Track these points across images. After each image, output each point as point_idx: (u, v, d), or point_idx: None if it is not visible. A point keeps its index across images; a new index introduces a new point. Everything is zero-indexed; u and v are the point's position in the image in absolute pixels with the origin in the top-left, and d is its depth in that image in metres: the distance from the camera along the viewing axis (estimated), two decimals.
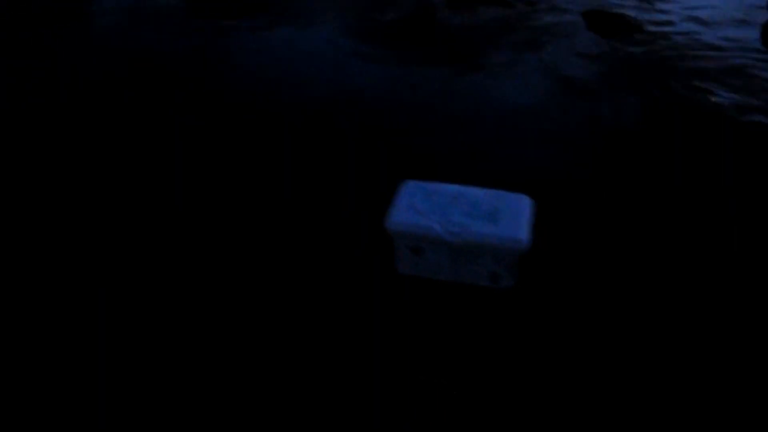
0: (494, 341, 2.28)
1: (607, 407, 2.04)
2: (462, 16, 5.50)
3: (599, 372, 2.16)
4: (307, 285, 2.57)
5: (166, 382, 2.17)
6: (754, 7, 5.60)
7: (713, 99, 4.02)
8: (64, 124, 3.84)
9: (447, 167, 3.31)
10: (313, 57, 4.71)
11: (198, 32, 5.27)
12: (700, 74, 4.38)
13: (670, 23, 5.26)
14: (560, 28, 5.24)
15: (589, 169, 3.31)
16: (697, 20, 5.35)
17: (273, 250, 2.77)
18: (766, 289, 2.49)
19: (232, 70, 4.57)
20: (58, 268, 2.70)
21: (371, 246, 2.72)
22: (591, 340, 2.28)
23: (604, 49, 4.78)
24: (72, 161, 3.46)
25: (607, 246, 2.75)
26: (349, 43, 4.96)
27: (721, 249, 2.72)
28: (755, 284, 2.52)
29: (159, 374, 2.20)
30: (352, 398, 2.09)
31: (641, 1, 5.71)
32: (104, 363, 2.24)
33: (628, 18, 5.15)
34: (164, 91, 4.23)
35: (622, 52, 4.72)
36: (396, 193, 2.60)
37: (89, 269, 2.69)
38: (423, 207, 2.49)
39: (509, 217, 2.43)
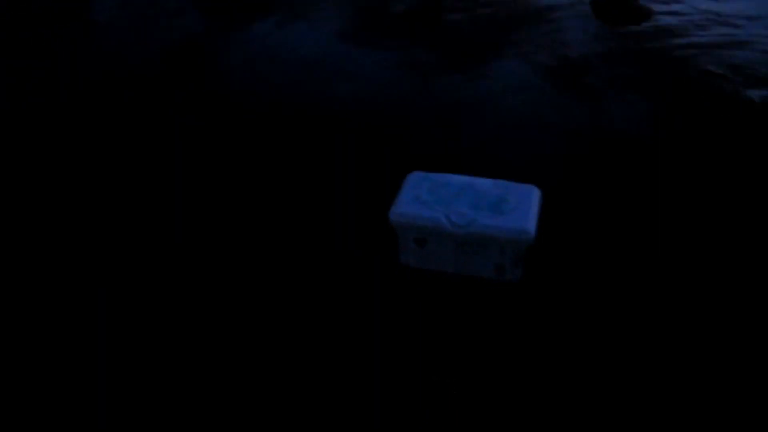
0: (498, 336, 2.29)
1: (613, 405, 2.05)
2: (469, 7, 5.52)
3: (605, 369, 2.17)
4: (310, 281, 2.59)
5: (166, 382, 2.19)
6: None
7: (730, 87, 4.01)
8: (64, 124, 3.87)
9: (453, 161, 3.33)
10: (318, 53, 4.73)
11: (201, 31, 5.31)
12: (716, 62, 4.37)
13: (682, 14, 5.25)
14: (568, 17, 5.23)
15: (598, 162, 3.32)
16: (711, 9, 5.33)
17: (274, 249, 2.79)
18: None
19: (233, 68, 4.60)
20: (57, 268, 2.73)
21: (373, 240, 2.74)
22: (597, 336, 2.28)
23: (611, 38, 4.77)
24: (72, 161, 3.50)
25: (617, 239, 2.75)
26: (356, 38, 4.98)
27: (734, 246, 2.72)
28: None
29: (159, 374, 2.22)
30: (355, 396, 2.11)
31: None
32: (104, 363, 2.27)
33: (637, 5, 5.14)
34: (164, 91, 4.27)
35: (630, 40, 4.72)
36: (402, 184, 2.61)
37: (89, 269, 2.72)
38: (428, 198, 2.50)
39: (516, 208, 2.42)
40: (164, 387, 2.17)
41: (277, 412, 2.06)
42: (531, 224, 2.36)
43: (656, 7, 5.33)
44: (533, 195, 2.50)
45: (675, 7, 5.36)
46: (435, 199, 2.50)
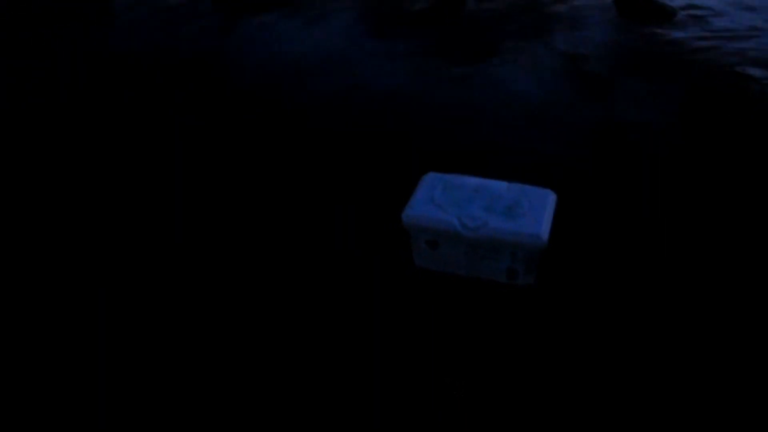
0: (507, 340, 2.27)
1: (624, 409, 2.02)
2: (490, 5, 5.53)
3: (615, 374, 2.14)
4: (316, 281, 2.58)
5: (167, 382, 2.20)
6: None
7: (757, 87, 3.98)
8: (64, 124, 3.91)
9: (468, 160, 3.32)
10: (332, 53, 4.75)
11: (206, 29, 5.35)
12: (743, 62, 4.34)
13: (708, 10, 5.23)
14: (591, 14, 5.23)
15: (617, 164, 3.29)
16: (740, 3, 5.31)
17: (281, 249, 2.79)
18: None
19: (240, 68, 4.63)
20: (57, 268, 2.75)
21: (382, 241, 2.73)
22: (607, 342, 2.26)
23: (635, 37, 4.77)
24: (72, 161, 3.53)
25: (632, 244, 2.72)
26: (369, 36, 5.01)
27: (755, 252, 2.69)
28: None
29: (159, 375, 2.22)
30: (363, 395, 2.10)
31: None
32: (104, 363, 2.28)
33: (661, 4, 5.12)
34: (164, 90, 4.30)
35: (654, 39, 4.70)
36: (417, 185, 2.60)
37: (89, 269, 2.74)
38: (442, 200, 2.49)
39: (530, 212, 2.40)
40: (164, 387, 2.17)
41: (283, 411, 2.05)
42: (543, 229, 2.33)
43: (681, 4, 5.32)
44: (548, 199, 2.48)
45: (698, 2, 5.35)
46: (448, 200, 2.48)
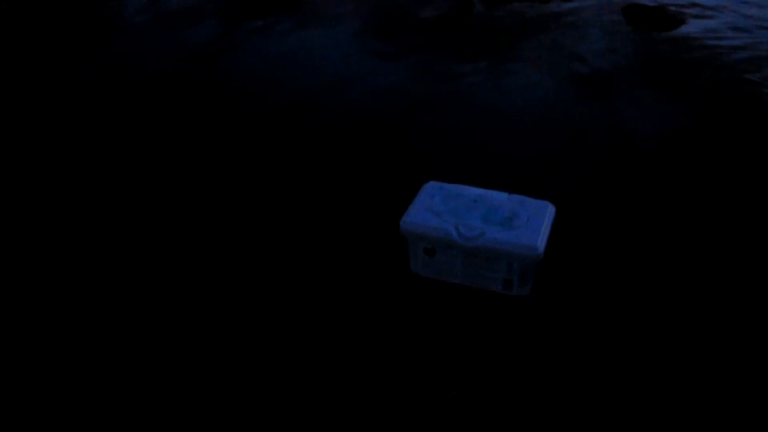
0: (498, 351, 2.35)
1: (620, 420, 2.09)
2: (497, 13, 5.57)
3: (611, 387, 2.21)
4: (312, 286, 2.67)
5: (167, 383, 2.27)
6: None
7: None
8: (64, 125, 4.00)
9: (471, 168, 3.39)
10: (338, 59, 4.82)
11: (208, 31, 5.42)
12: (753, 69, 4.38)
13: (717, 19, 5.25)
14: (599, 21, 5.28)
15: (621, 173, 3.36)
16: (750, 14, 5.33)
17: (273, 254, 2.88)
18: None
19: (243, 71, 4.70)
20: (58, 267, 2.83)
21: (384, 248, 2.83)
22: (598, 356, 2.32)
23: (643, 44, 4.80)
24: (72, 162, 3.62)
25: (631, 256, 2.79)
26: (372, 41, 5.07)
27: (759, 263, 2.74)
28: None
29: (160, 375, 2.30)
30: (353, 402, 2.18)
31: None
32: (104, 363, 2.35)
33: (669, 11, 5.18)
34: (165, 91, 4.38)
35: (663, 47, 4.75)
36: (417, 193, 2.72)
37: (89, 269, 2.81)
38: (440, 208, 2.59)
39: (528, 223, 2.50)
40: (165, 388, 2.25)
41: (279, 415, 2.13)
42: (540, 240, 2.43)
43: (690, 13, 5.35)
44: (546, 211, 2.57)
45: (709, 12, 5.38)
46: (447, 209, 2.59)
